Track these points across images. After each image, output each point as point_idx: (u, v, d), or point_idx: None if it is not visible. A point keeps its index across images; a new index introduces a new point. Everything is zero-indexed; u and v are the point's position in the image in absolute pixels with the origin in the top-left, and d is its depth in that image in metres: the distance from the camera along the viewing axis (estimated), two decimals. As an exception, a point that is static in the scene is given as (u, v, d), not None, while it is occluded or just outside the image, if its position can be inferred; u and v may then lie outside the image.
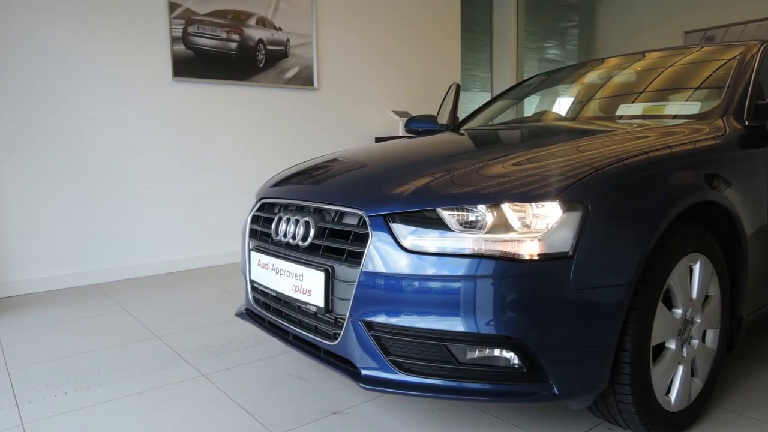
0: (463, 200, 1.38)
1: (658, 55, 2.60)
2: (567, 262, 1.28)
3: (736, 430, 1.60)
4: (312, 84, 4.40)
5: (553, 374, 1.31)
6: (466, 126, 2.89)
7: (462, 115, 3.24)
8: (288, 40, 4.28)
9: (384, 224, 1.42)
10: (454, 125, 3.03)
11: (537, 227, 1.31)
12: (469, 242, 1.33)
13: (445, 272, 1.32)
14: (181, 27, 3.77)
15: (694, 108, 2.11)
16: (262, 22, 4.15)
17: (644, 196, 1.41)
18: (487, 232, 1.32)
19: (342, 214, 1.58)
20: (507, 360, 1.34)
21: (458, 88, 3.63)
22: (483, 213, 1.35)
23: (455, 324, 1.31)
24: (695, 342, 1.59)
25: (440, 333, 1.33)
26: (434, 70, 5.20)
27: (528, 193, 1.33)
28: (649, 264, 1.39)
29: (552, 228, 1.29)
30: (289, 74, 4.29)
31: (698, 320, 1.59)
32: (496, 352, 1.34)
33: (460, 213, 1.37)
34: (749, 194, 1.74)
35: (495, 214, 1.33)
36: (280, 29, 4.24)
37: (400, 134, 4.56)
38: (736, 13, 5.86)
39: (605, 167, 1.40)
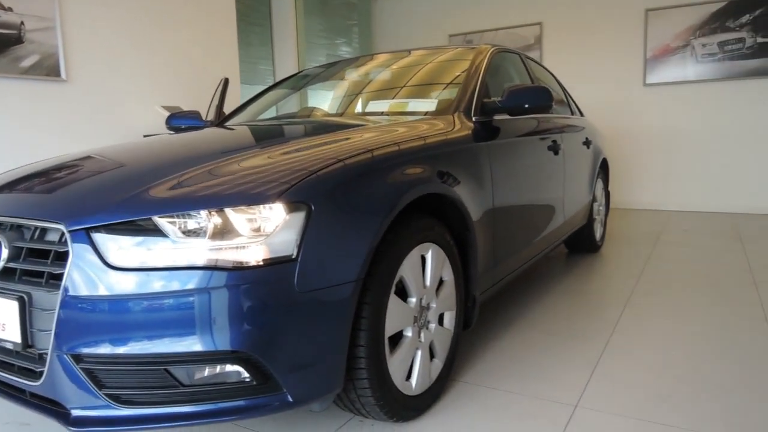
0: (182, 206, 1.25)
1: (420, 54, 2.75)
2: (291, 265, 1.24)
3: (469, 400, 1.75)
4: (59, 75, 3.80)
5: (285, 382, 1.26)
6: (230, 122, 2.75)
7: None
8: (22, 23, 3.63)
9: (87, 239, 1.23)
10: (219, 121, 2.86)
11: (260, 232, 1.24)
12: (187, 253, 1.20)
13: (158, 289, 1.18)
14: None
15: (432, 105, 2.27)
16: (-14, -1, 3.45)
17: (368, 193, 1.43)
18: (209, 239, 1.22)
19: (44, 229, 1.33)
20: (238, 374, 1.25)
21: (226, 83, 3.47)
22: (205, 219, 1.24)
23: (171, 345, 1.18)
24: (432, 326, 1.69)
25: (156, 357, 1.19)
26: (209, 62, 4.91)
27: (248, 195, 1.26)
28: (377, 258, 1.42)
29: (274, 231, 1.24)
30: (27, 63, 3.64)
31: (434, 305, 1.70)
32: (227, 368, 1.25)
33: (181, 220, 1.24)
34: (475, 184, 1.91)
35: (216, 220, 1.23)
36: (10, 9, 3.57)
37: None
38: (491, 20, 6.64)
39: (328, 166, 1.39)
